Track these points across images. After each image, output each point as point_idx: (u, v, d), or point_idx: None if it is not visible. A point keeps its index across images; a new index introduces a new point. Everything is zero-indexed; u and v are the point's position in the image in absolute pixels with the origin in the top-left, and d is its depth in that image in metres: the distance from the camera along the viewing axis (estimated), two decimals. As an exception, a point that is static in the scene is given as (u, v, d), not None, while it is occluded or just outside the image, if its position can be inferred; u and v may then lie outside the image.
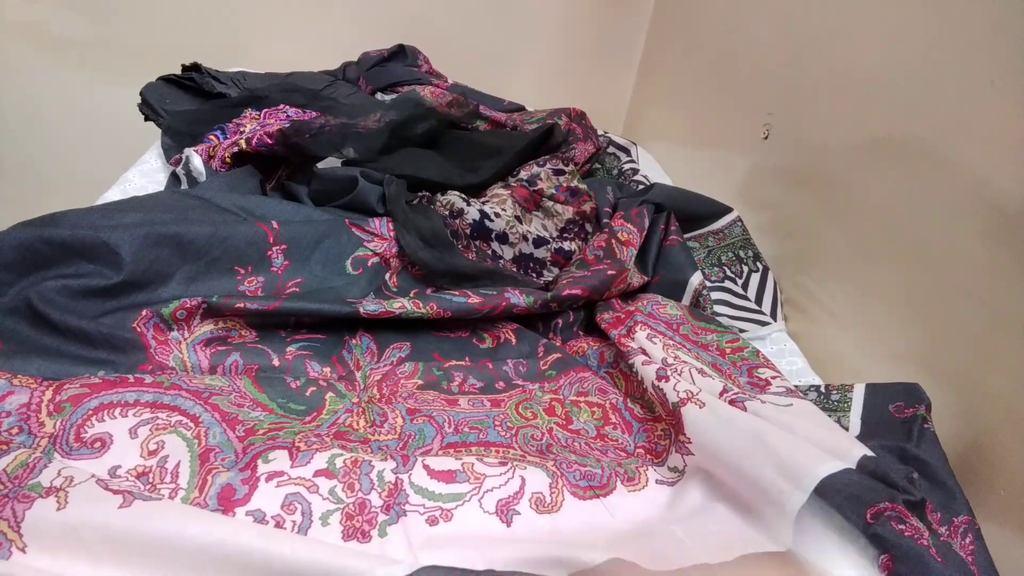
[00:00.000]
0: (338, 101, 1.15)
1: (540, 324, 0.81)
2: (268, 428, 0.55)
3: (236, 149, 0.90)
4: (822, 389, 0.70)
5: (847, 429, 0.64)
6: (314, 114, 1.03)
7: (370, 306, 0.68)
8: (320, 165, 0.91)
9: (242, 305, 0.64)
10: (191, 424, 0.53)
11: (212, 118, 1.00)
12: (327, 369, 0.66)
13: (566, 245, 0.92)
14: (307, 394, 0.61)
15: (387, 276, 0.79)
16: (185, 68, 1.18)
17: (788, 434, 0.55)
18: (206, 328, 0.64)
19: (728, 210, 0.99)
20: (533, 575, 0.46)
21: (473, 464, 0.56)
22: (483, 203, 0.89)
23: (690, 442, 0.60)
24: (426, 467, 0.55)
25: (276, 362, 0.64)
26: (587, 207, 0.97)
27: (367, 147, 0.93)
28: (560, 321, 0.81)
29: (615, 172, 1.22)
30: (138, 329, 0.61)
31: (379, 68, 1.31)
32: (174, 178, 0.92)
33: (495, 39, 1.57)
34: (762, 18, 1.06)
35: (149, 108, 1.08)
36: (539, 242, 0.90)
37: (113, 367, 0.58)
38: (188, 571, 0.41)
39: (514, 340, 0.75)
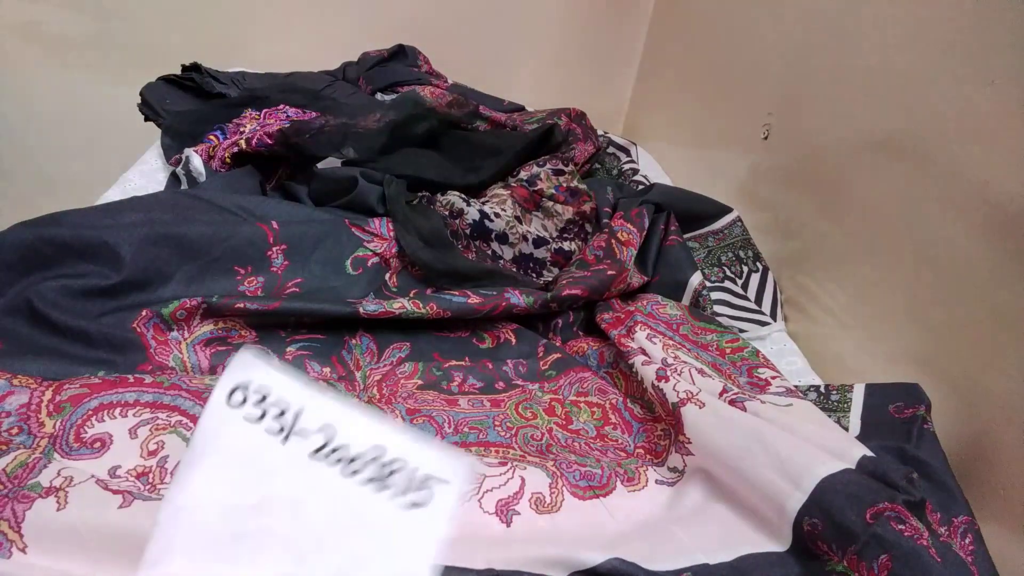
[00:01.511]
0: (338, 101, 1.15)
1: (540, 324, 0.81)
2: (268, 428, 0.55)
3: (236, 149, 0.90)
4: (822, 389, 0.70)
5: (847, 429, 0.64)
6: (314, 114, 1.03)
7: (370, 306, 0.68)
8: (320, 165, 0.91)
9: (242, 305, 0.64)
10: (191, 424, 0.53)
11: (212, 118, 1.00)
12: (327, 369, 0.66)
13: (566, 245, 0.92)
14: (307, 394, 0.61)
15: (387, 276, 0.79)
16: (185, 68, 1.18)
17: (788, 434, 0.55)
18: (206, 328, 0.64)
19: (728, 210, 0.99)
20: (533, 575, 0.46)
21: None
22: (483, 203, 0.89)
23: (690, 442, 0.60)
24: (426, 467, 0.55)
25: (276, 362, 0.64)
26: (587, 207, 0.97)
27: (367, 147, 0.93)
28: (560, 321, 0.81)
29: (615, 172, 1.22)
30: (138, 329, 0.61)
31: (379, 68, 1.31)
32: (174, 178, 0.92)
33: (495, 39, 1.57)
34: (762, 18, 1.06)
35: (149, 108, 1.08)
36: (539, 242, 0.90)
37: (113, 367, 0.58)
38: (188, 571, 0.41)
39: (514, 340, 0.75)
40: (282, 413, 0.33)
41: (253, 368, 0.33)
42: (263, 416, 0.33)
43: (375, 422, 0.34)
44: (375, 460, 0.34)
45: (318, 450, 0.33)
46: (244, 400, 0.33)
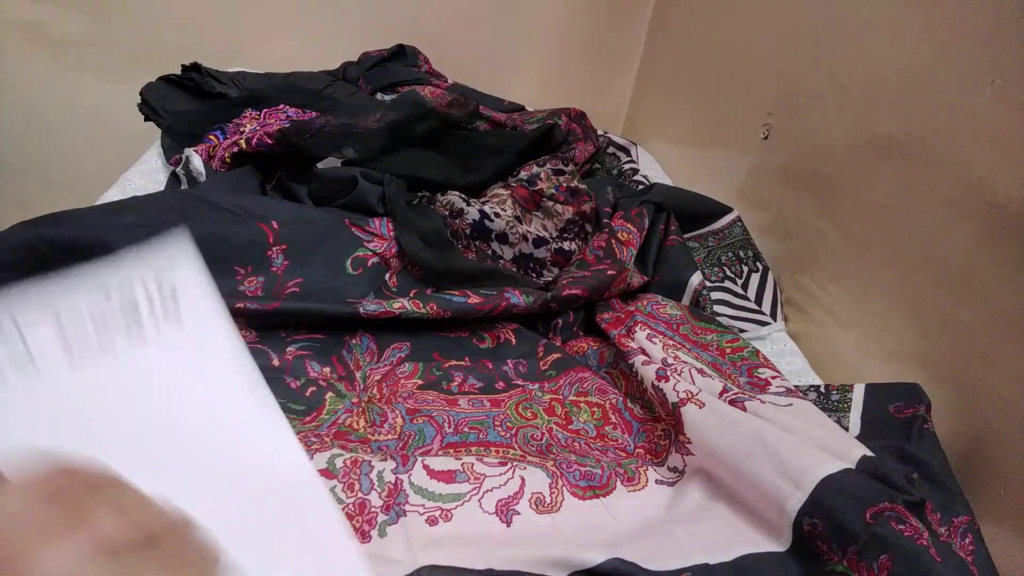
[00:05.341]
0: (338, 101, 1.15)
1: (540, 324, 0.81)
2: (268, 428, 0.55)
3: (236, 149, 0.90)
4: (822, 389, 0.70)
5: (847, 429, 0.64)
6: (314, 114, 1.03)
7: (370, 306, 0.68)
8: (320, 165, 0.91)
9: (242, 305, 0.64)
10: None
11: (212, 118, 1.00)
12: (327, 369, 0.66)
13: (566, 245, 0.92)
14: (307, 394, 0.61)
15: (387, 276, 0.79)
16: (185, 68, 1.18)
17: (788, 434, 0.55)
18: (206, 328, 0.64)
19: (728, 210, 0.99)
20: (533, 575, 0.46)
21: (473, 464, 0.56)
22: (483, 203, 0.89)
23: (690, 442, 0.60)
24: (426, 467, 0.55)
25: (276, 362, 0.64)
26: (587, 207, 0.96)
27: (367, 147, 0.93)
28: (560, 321, 0.81)
29: (615, 172, 1.22)
30: (138, 329, 0.61)
31: (379, 68, 1.31)
32: (174, 178, 0.92)
33: (495, 39, 1.57)
34: (762, 18, 1.06)
35: (149, 108, 1.08)
36: (539, 242, 0.90)
37: (113, 367, 0.58)
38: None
39: (514, 340, 0.75)
40: None
41: None
42: None
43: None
44: (99, 321, 0.29)
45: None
46: None
